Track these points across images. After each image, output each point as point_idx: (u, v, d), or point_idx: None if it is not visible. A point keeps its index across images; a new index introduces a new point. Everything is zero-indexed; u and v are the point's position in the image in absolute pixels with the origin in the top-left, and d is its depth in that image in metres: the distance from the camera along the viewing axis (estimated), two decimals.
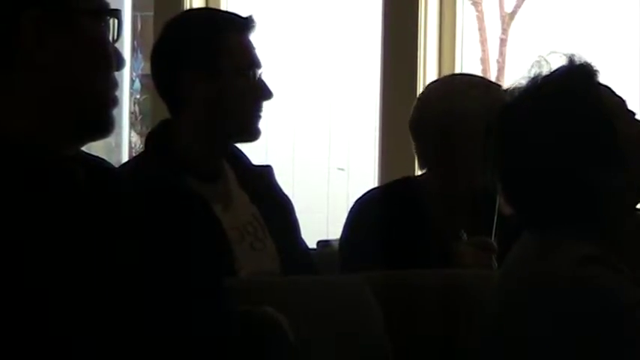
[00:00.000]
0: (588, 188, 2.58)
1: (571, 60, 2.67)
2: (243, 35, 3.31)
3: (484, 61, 6.73)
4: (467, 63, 5.86)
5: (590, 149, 2.58)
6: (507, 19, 6.70)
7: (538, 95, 2.65)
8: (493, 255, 3.44)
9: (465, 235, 3.49)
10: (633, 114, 2.71)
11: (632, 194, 2.66)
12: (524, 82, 2.67)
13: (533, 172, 2.62)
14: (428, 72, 5.70)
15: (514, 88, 2.68)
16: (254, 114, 3.30)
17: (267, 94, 3.31)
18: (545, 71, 2.66)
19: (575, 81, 2.66)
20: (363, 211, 3.68)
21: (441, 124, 3.67)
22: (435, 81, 4.17)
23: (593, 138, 2.59)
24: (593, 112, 2.61)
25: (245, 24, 3.32)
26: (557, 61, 2.67)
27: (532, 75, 2.67)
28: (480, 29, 6.69)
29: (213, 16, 3.40)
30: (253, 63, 3.31)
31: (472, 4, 6.51)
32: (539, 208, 2.64)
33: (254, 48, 3.33)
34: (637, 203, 2.72)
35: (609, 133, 2.59)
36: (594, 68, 2.68)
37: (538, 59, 2.67)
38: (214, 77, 3.27)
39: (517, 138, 2.65)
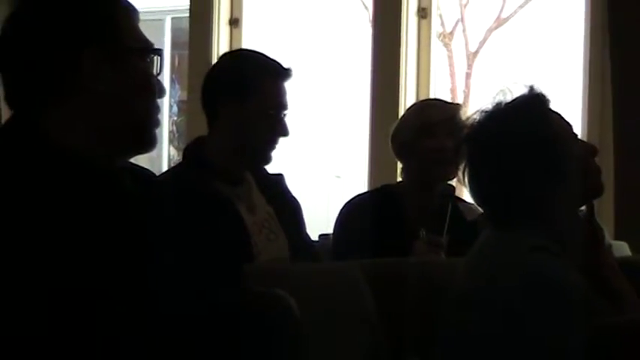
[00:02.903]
0: (538, 193, 2.57)
1: (530, 89, 2.66)
2: (279, 81, 3.29)
3: (453, 90, 6.73)
4: (439, 92, 5.86)
5: (539, 163, 2.58)
6: (472, 57, 6.70)
7: (501, 118, 2.64)
8: (441, 250, 3.43)
9: (423, 233, 3.48)
10: (576, 136, 2.70)
11: (574, 199, 2.65)
12: (490, 106, 2.66)
13: (494, 179, 2.61)
14: (408, 99, 5.71)
15: (482, 111, 2.66)
16: (270, 145, 3.28)
17: (284, 132, 3.29)
18: (508, 98, 2.66)
19: (532, 107, 2.65)
20: (350, 211, 3.68)
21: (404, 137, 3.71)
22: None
23: (542, 154, 2.58)
24: (544, 133, 2.60)
25: (283, 72, 3.30)
26: (518, 90, 2.66)
27: (497, 101, 2.66)
28: (449, 65, 6.69)
29: (257, 59, 3.36)
30: (280, 105, 3.29)
31: (443, 45, 6.51)
32: (499, 208, 2.63)
33: (285, 93, 3.30)
34: (579, 207, 2.71)
35: (555, 150, 2.58)
36: (548, 97, 2.67)
37: (502, 88, 2.66)
38: (246, 109, 3.26)
39: (482, 153, 2.64)
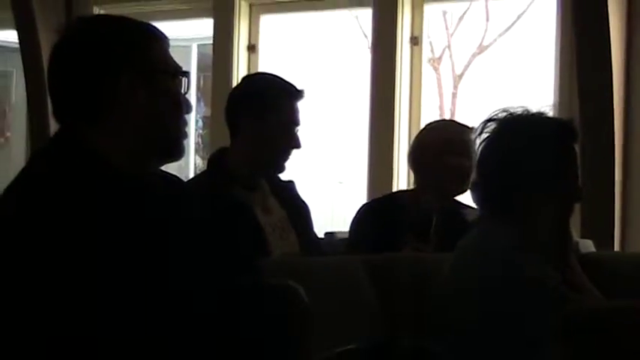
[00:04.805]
0: (530, 199, 2.51)
1: (557, 119, 2.59)
2: (293, 100, 3.27)
3: (441, 108, 6.71)
4: (428, 110, 5.85)
5: (542, 177, 2.51)
6: (457, 79, 6.69)
7: (528, 126, 2.55)
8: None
9: (410, 240, 3.44)
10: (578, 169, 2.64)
11: (556, 211, 2.59)
12: (519, 111, 2.55)
13: (497, 178, 2.54)
14: (402, 114, 5.70)
15: (509, 113, 2.56)
16: (284, 156, 3.27)
17: (297, 145, 3.28)
18: (546, 112, 2.56)
19: (557, 130, 2.56)
20: (362, 214, 3.65)
21: (412, 153, 3.68)
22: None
23: (547, 171, 2.51)
24: (556, 157, 2.53)
25: (297, 93, 3.28)
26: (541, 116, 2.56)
27: (535, 111, 2.56)
28: (438, 86, 6.67)
29: (275, 81, 3.34)
30: (294, 122, 3.27)
31: (433, 68, 6.49)
32: (493, 206, 2.56)
33: (298, 111, 3.28)
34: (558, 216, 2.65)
35: (558, 172, 2.53)
36: (576, 132, 2.58)
37: (553, 104, 2.57)
38: (264, 125, 3.24)
39: (495, 153, 2.57)
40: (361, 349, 2.16)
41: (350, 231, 3.66)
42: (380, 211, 3.60)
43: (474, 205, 3.60)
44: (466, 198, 3.59)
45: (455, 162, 3.52)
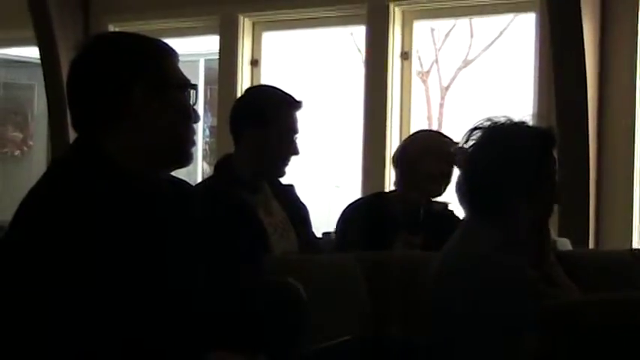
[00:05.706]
0: (512, 203, 2.51)
1: (537, 128, 2.58)
2: (292, 110, 3.27)
3: (429, 118, 6.71)
4: (417, 119, 5.85)
5: (523, 181, 2.51)
6: (444, 90, 6.69)
7: (508, 136, 2.55)
8: (416, 248, 3.39)
9: (403, 234, 3.45)
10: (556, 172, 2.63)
11: (536, 213, 2.59)
12: (502, 120, 2.55)
13: (480, 186, 2.54)
14: (393, 123, 5.71)
15: (492, 125, 2.56)
16: (284, 162, 3.26)
17: (296, 152, 3.27)
18: (527, 121, 2.55)
19: (536, 137, 2.56)
20: (350, 212, 3.64)
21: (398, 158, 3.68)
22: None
23: (528, 177, 2.51)
24: (535, 163, 2.52)
25: (295, 103, 3.27)
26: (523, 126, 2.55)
27: (517, 120, 2.55)
28: (426, 97, 6.67)
29: (275, 93, 3.34)
30: (293, 130, 3.27)
31: (421, 81, 6.49)
32: (479, 210, 2.56)
33: (297, 120, 3.28)
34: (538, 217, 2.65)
35: (539, 178, 2.53)
36: (554, 139, 2.59)
37: (534, 113, 2.56)
38: (265, 133, 3.23)
39: (475, 175, 2.57)
40: (353, 342, 2.15)
41: (337, 231, 3.65)
42: (368, 210, 3.60)
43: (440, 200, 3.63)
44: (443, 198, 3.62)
45: (435, 167, 3.55)
